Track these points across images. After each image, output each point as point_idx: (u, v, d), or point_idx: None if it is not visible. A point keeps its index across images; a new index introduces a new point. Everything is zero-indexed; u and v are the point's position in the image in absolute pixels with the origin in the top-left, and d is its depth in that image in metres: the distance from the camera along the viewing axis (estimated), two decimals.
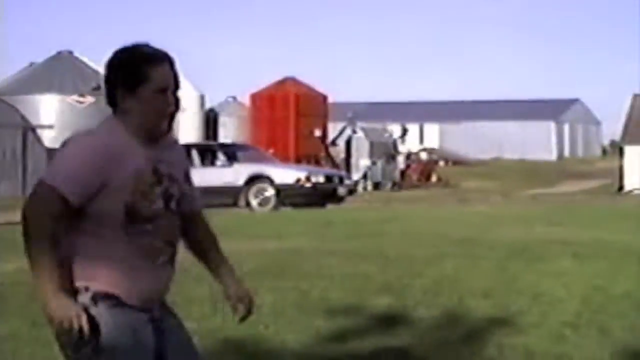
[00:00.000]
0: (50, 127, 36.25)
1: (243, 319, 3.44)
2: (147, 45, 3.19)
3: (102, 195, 3.11)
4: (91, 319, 3.05)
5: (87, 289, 3.11)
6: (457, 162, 50.36)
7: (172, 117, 3.21)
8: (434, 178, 40.06)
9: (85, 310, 3.06)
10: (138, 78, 3.12)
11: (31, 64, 40.03)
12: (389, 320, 6.70)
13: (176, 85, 3.21)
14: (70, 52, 39.70)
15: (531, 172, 43.64)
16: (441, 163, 47.86)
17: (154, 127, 3.18)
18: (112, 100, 3.24)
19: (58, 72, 38.16)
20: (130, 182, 3.13)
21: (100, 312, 3.09)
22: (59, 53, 39.71)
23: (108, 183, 3.10)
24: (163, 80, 3.15)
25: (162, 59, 3.17)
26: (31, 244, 3.06)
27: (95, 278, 3.12)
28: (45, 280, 3.03)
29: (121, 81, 3.17)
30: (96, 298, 3.10)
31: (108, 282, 3.13)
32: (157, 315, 3.26)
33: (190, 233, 3.46)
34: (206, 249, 3.53)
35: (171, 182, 3.24)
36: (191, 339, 3.38)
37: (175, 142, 3.38)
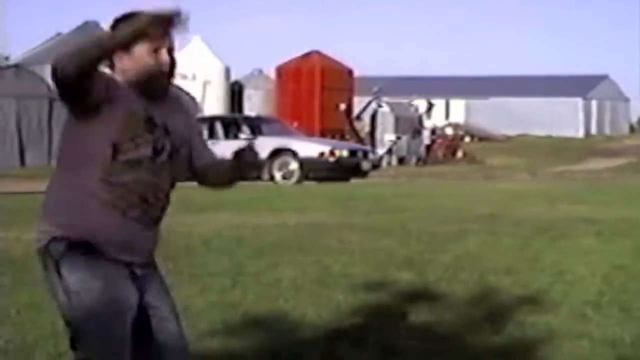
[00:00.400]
0: None
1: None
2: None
3: (92, 126, 3.19)
4: None
5: (62, 237, 3.19)
6: (483, 138, 50.10)
7: (169, 76, 3.30)
8: (459, 154, 39.87)
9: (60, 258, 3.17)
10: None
11: (58, 34, 40.11)
12: (410, 296, 6.67)
13: (171, 46, 3.28)
14: (97, 23, 39.73)
15: (558, 149, 43.38)
16: (467, 139, 47.62)
17: (149, 84, 3.26)
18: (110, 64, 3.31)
19: None
20: (120, 119, 3.20)
21: (75, 259, 3.17)
22: (86, 23, 39.78)
23: (102, 107, 3.18)
24: (157, 40, 3.22)
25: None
26: (79, 49, 3.09)
27: (71, 226, 3.20)
28: (109, 34, 3.18)
29: None
30: (72, 246, 3.18)
31: (84, 229, 3.20)
32: (139, 273, 3.33)
33: (205, 180, 3.63)
34: (218, 167, 3.61)
35: (165, 134, 3.31)
36: (175, 307, 3.43)
37: (178, 98, 3.46)
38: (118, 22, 3.23)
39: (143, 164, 3.25)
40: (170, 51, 3.28)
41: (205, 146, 3.57)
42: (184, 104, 3.51)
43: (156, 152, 3.27)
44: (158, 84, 3.28)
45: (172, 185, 3.42)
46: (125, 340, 3.20)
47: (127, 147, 3.21)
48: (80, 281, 3.17)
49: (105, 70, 3.28)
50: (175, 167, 3.38)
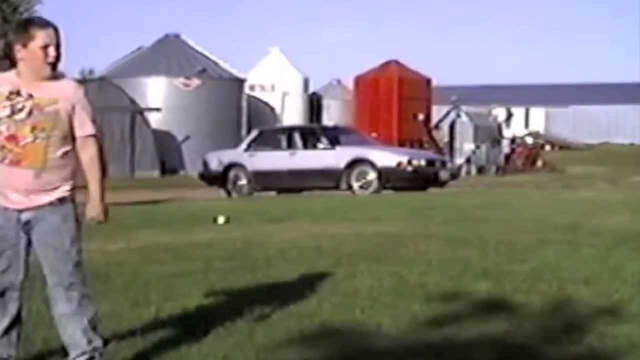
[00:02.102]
0: (157, 109, 36.93)
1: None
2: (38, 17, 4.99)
3: None
4: None
5: None
6: (564, 146, 49.42)
7: (54, 66, 4.57)
8: (539, 163, 39.43)
9: None
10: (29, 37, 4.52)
11: (139, 48, 40.79)
12: (487, 307, 6.62)
13: (57, 45, 4.56)
14: (177, 36, 40.32)
15: None
16: (547, 147, 47.05)
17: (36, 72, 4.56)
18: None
19: (165, 55, 38.80)
20: None
21: None
22: (166, 36, 40.37)
23: None
24: (45, 39, 4.53)
25: (46, 25, 4.55)
26: None
27: None
28: None
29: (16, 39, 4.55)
30: None
31: None
32: (29, 216, 4.59)
33: (81, 155, 4.68)
34: (85, 173, 4.71)
35: (27, 99, 4.54)
36: (61, 244, 4.63)
37: (68, 81, 4.72)
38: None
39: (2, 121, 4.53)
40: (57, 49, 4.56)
41: (83, 118, 4.70)
42: (65, 82, 4.69)
43: (13, 112, 4.52)
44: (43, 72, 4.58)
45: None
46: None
47: None
48: None
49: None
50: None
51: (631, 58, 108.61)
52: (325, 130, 24.20)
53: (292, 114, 42.86)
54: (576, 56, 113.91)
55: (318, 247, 9.55)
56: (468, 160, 36.33)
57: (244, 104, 39.32)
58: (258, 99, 42.35)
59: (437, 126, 38.92)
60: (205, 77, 38.15)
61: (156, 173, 34.66)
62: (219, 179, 22.66)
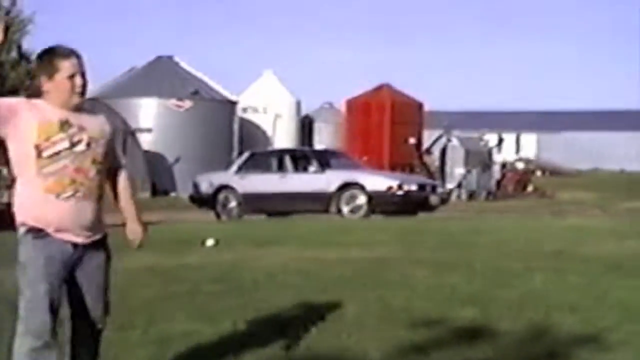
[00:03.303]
0: (149, 130, 36.91)
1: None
2: (59, 46, 4.48)
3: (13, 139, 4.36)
4: None
5: (22, 224, 4.42)
6: (554, 172, 49.54)
7: (82, 94, 4.47)
8: (530, 188, 39.47)
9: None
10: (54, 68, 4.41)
11: (132, 68, 40.81)
12: (473, 333, 6.62)
13: (83, 73, 4.46)
14: (170, 57, 40.37)
15: (631, 184, 42.63)
16: (538, 173, 47.14)
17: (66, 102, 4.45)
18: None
19: (157, 76, 38.83)
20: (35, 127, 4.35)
21: (27, 241, 4.39)
22: (159, 58, 40.41)
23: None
24: (71, 69, 4.43)
25: (69, 54, 4.45)
26: None
27: (26, 214, 4.41)
28: None
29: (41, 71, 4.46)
30: (27, 231, 4.40)
31: (33, 217, 4.38)
32: (80, 251, 4.44)
33: (113, 184, 4.69)
34: (121, 199, 4.72)
35: (80, 130, 4.43)
36: (102, 282, 4.58)
37: (96, 111, 4.69)
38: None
39: (63, 154, 4.39)
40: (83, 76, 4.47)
41: (118, 151, 4.73)
42: (98, 114, 4.68)
43: (73, 144, 4.40)
44: (72, 101, 4.46)
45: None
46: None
47: (46, 146, 4.36)
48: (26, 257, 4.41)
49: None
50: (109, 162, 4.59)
51: (622, 86, 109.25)
52: (316, 153, 24.23)
53: (284, 137, 42.89)
54: (568, 83, 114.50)
55: (306, 272, 9.55)
56: (459, 185, 36.36)
57: (236, 126, 39.36)
58: (250, 122, 42.41)
59: (428, 151, 38.98)
60: (198, 99, 38.19)
61: (147, 194, 34.59)
62: (209, 201, 22.64)
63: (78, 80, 4.44)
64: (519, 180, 40.09)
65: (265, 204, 21.89)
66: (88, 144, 4.43)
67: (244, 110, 41.87)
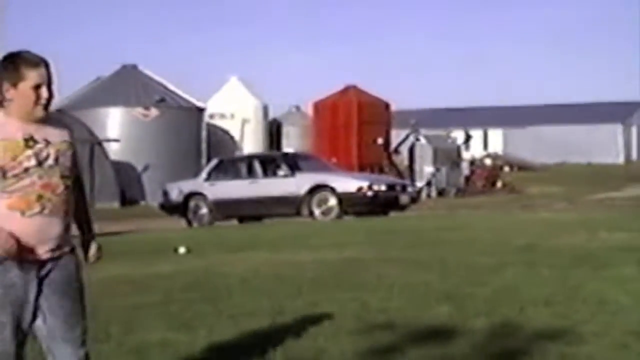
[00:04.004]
0: (116, 140, 36.73)
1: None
2: (27, 52, 4.17)
3: None
4: None
5: None
6: (522, 167, 49.85)
7: (46, 107, 4.17)
8: (499, 184, 39.69)
9: None
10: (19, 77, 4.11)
11: (97, 79, 40.60)
12: (449, 330, 6.64)
13: (49, 84, 4.17)
14: (134, 66, 40.19)
15: (597, 176, 43.03)
16: (506, 168, 47.42)
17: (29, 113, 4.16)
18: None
19: (123, 85, 38.66)
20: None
21: None
22: (124, 67, 40.22)
23: None
24: (38, 79, 4.13)
25: (38, 63, 4.15)
26: None
27: None
28: None
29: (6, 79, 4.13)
30: None
31: None
32: (45, 270, 4.20)
33: (75, 194, 4.37)
34: (75, 209, 4.39)
35: (46, 145, 4.18)
36: (76, 294, 4.33)
37: (58, 121, 4.32)
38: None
39: (30, 171, 4.13)
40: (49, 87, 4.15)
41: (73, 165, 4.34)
42: (61, 126, 4.33)
43: (40, 161, 4.15)
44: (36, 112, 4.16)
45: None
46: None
47: (11, 166, 4.10)
48: None
49: None
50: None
51: (586, 79, 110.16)
52: (285, 157, 24.23)
53: (252, 142, 42.86)
54: (532, 78, 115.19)
55: (279, 275, 9.54)
56: (428, 183, 36.48)
57: (204, 132, 39.26)
58: (218, 128, 42.32)
59: (396, 150, 39.09)
60: (164, 107, 38.05)
61: (116, 204, 34.41)
62: (179, 208, 22.58)
63: (44, 92, 4.14)
64: (488, 177, 40.30)
65: (236, 210, 21.87)
66: (56, 159, 4.19)
67: (211, 116, 41.77)
